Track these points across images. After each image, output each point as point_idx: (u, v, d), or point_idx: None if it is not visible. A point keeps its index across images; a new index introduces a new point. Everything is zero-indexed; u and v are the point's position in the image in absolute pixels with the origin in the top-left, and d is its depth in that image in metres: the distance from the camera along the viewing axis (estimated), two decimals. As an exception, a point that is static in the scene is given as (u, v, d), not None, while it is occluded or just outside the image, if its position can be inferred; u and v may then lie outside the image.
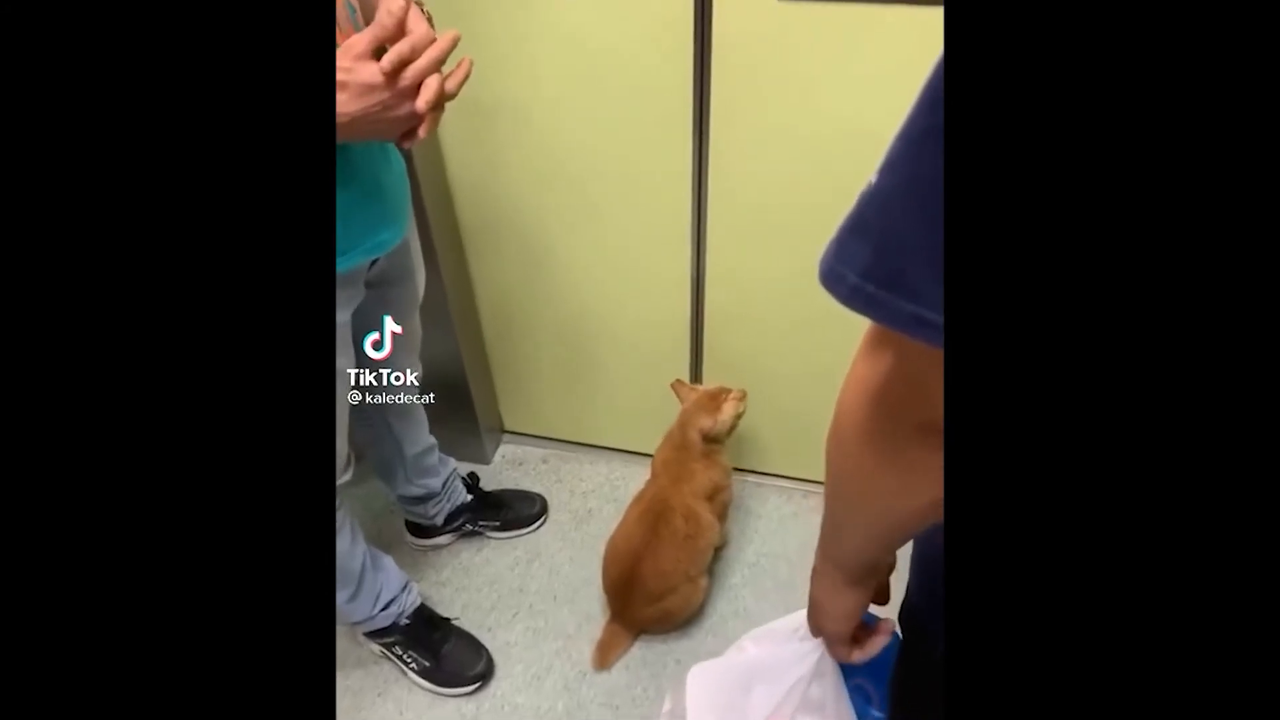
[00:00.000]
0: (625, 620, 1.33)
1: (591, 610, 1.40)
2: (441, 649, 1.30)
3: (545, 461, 1.69)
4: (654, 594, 1.28)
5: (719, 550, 1.44)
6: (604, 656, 1.32)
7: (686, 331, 1.46)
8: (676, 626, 1.35)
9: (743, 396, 1.35)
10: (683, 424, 1.34)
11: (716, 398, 1.34)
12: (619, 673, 1.32)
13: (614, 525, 1.36)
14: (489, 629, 1.38)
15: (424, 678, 1.30)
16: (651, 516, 1.28)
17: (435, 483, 1.42)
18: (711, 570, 1.40)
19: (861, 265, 0.34)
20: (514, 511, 1.55)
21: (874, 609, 0.63)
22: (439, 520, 1.47)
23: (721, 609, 1.40)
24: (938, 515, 0.45)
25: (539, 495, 1.58)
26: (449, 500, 1.46)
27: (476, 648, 1.33)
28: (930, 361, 0.34)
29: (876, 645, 0.64)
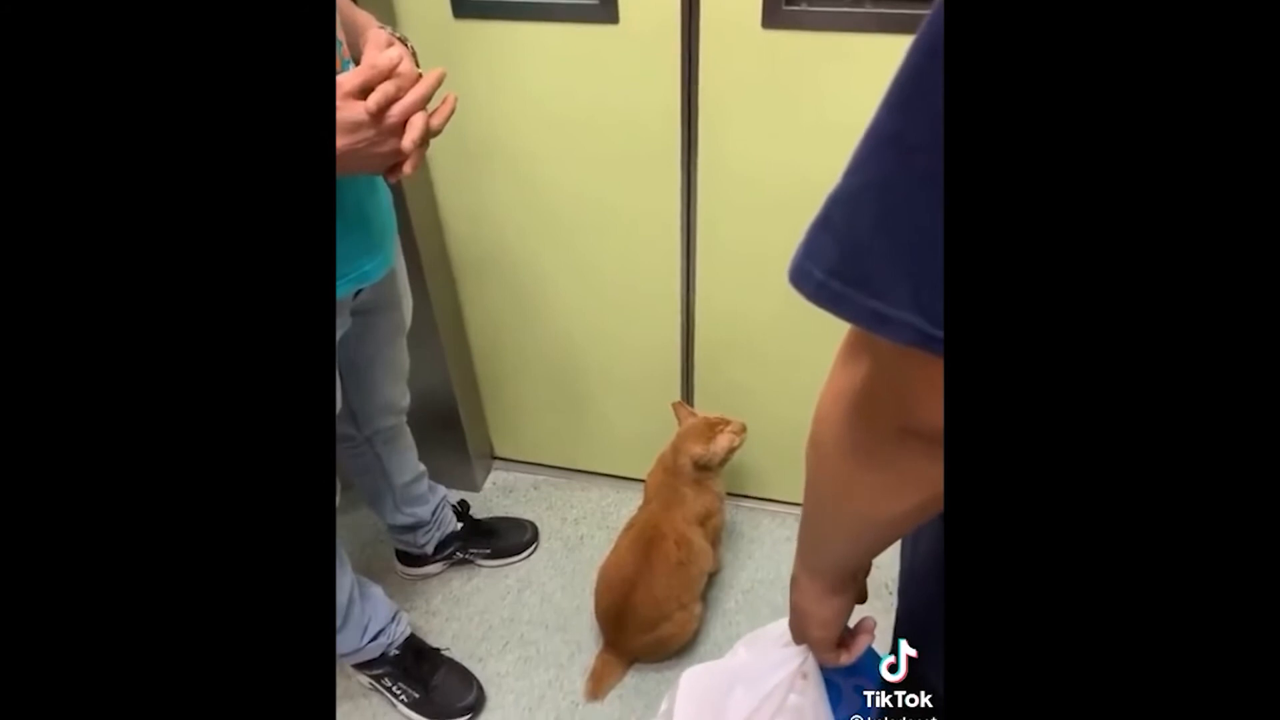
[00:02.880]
0: (618, 649, 1.31)
1: (584, 639, 1.39)
2: (431, 680, 1.28)
3: (536, 488, 1.68)
4: (647, 622, 1.26)
5: (713, 576, 1.43)
6: (597, 686, 1.30)
7: (678, 357, 1.46)
8: (670, 655, 1.34)
9: (741, 430, 1.33)
10: (675, 448, 1.34)
11: (714, 426, 1.33)
12: (612, 702, 1.30)
13: (606, 552, 1.34)
14: (480, 659, 1.36)
15: (414, 710, 1.27)
16: (643, 543, 1.27)
17: (424, 511, 1.41)
18: (706, 596, 1.39)
19: (827, 263, 0.34)
20: (505, 539, 1.53)
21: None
22: (429, 549, 1.45)
23: (716, 635, 1.38)
24: (918, 519, 0.45)
25: (530, 523, 1.57)
26: (439, 529, 1.45)
27: (467, 678, 1.31)
28: (906, 366, 0.35)
29: (861, 645, 0.63)
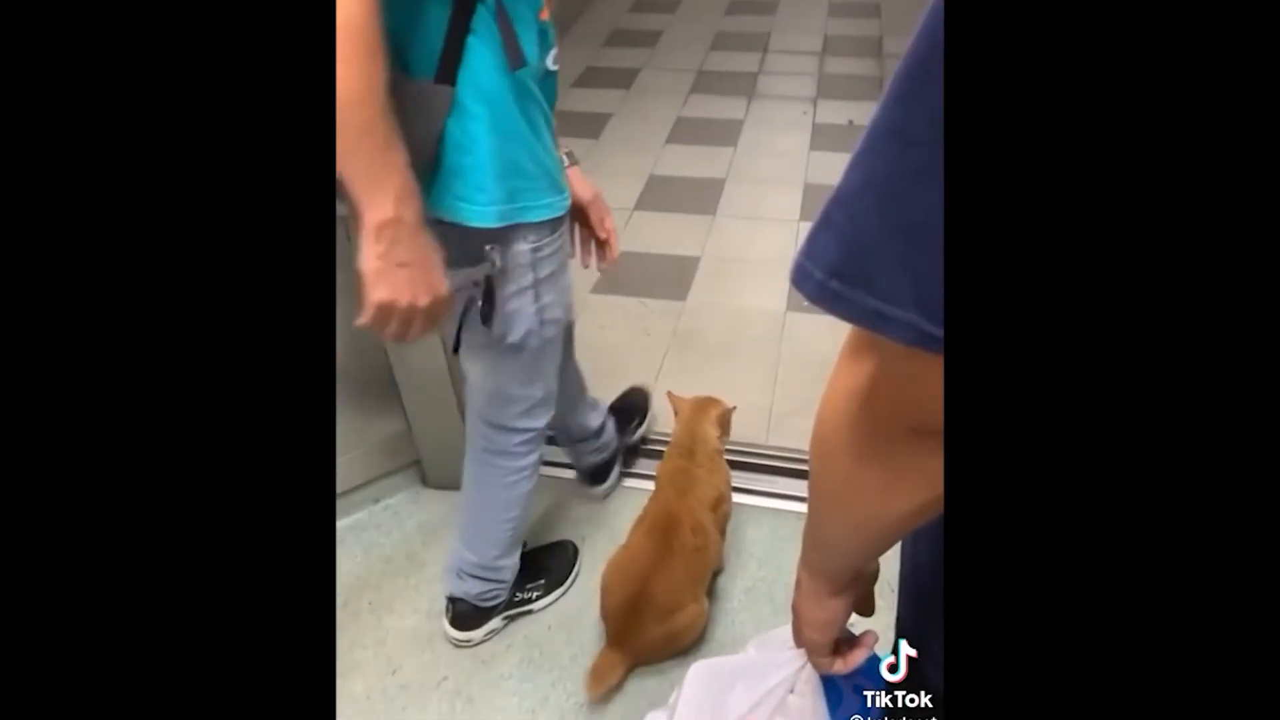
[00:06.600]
0: (626, 645, 1.29)
1: (587, 640, 1.38)
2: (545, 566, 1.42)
3: (539, 489, 1.67)
4: (664, 609, 1.26)
5: (716, 575, 1.43)
6: (599, 681, 1.27)
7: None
8: (678, 652, 1.33)
9: (725, 406, 1.44)
10: (690, 427, 1.39)
11: (709, 402, 1.44)
12: (617, 704, 1.29)
13: (608, 554, 1.34)
14: (483, 660, 1.35)
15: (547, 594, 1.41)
16: (660, 531, 1.28)
17: (598, 415, 1.50)
18: (709, 595, 1.39)
19: (828, 263, 0.34)
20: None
21: (857, 619, 0.63)
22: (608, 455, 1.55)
23: (720, 636, 1.38)
24: (922, 518, 0.45)
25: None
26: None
27: (562, 547, 1.46)
28: (910, 364, 0.34)
29: (858, 658, 0.63)
